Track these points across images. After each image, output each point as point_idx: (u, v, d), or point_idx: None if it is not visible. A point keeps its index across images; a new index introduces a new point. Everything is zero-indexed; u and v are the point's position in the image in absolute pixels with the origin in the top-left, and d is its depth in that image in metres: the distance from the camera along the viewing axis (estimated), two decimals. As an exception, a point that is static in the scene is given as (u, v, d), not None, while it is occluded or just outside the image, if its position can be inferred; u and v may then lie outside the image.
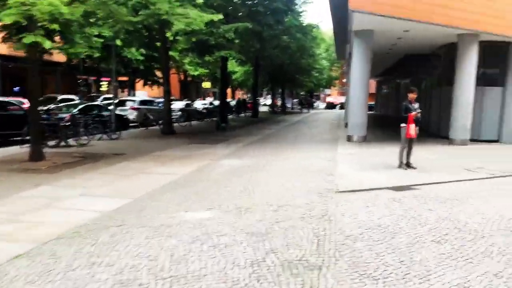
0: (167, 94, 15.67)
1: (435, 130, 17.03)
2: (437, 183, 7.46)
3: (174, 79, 43.40)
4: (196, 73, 38.69)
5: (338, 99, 67.14)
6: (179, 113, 22.19)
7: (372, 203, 5.89)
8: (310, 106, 48.12)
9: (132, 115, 19.84)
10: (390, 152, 11.19)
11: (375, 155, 10.60)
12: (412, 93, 8.81)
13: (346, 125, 19.82)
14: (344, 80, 65.87)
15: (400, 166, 8.87)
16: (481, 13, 12.50)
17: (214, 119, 23.96)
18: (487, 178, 8.09)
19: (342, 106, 51.69)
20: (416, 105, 8.85)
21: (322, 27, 45.58)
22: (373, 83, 40.14)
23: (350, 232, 4.56)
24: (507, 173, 8.64)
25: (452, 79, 14.28)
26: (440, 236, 4.46)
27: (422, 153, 11.30)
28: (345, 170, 8.38)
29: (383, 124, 23.11)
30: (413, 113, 8.60)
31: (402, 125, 8.81)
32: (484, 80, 14.33)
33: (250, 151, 11.23)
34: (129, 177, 7.67)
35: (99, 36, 12.98)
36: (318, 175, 7.84)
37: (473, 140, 13.93)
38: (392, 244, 4.19)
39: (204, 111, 26.49)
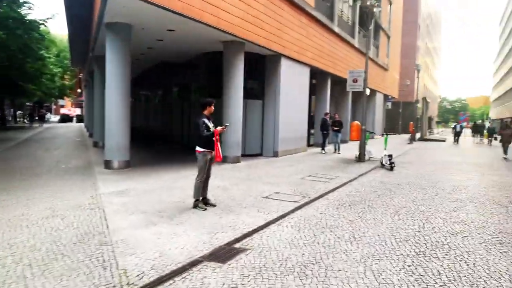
0: None
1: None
2: (256, 230, 5.40)
3: None
4: None
5: (74, 110, 59.91)
6: None
7: (210, 313, 3.14)
8: (42, 119, 39.96)
9: None
10: (170, 183, 8.66)
11: (153, 191, 7.77)
12: (211, 105, 6.56)
13: (95, 144, 16.09)
14: (79, 90, 59.52)
15: (197, 206, 6.44)
16: (246, 21, 11.68)
17: None
18: (296, 208, 6.68)
19: (81, 119, 45.82)
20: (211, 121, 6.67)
21: (53, 28, 38.80)
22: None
23: None
24: (306, 196, 7.59)
25: (217, 91, 13.11)
26: None
27: (206, 178, 9.32)
28: (125, 230, 5.22)
29: (140, 141, 20.40)
30: (219, 128, 6.40)
31: (200, 149, 6.43)
32: (246, 92, 13.79)
33: None
34: None
35: None
36: (82, 250, 4.40)
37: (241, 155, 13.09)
38: None
39: None
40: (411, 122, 30.73)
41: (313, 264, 4.19)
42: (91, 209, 6.20)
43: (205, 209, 6.38)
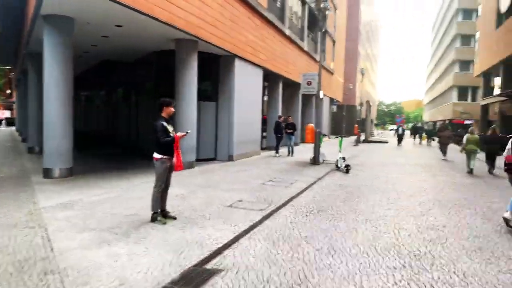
0: None
1: (145, 150, 14.72)
2: (227, 246, 4.89)
3: None
4: None
5: (2, 113, 55.18)
6: None
7: None
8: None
9: None
10: (121, 192, 7.83)
11: (103, 203, 6.93)
12: (169, 106, 5.90)
13: (30, 149, 14.59)
14: (9, 91, 54.80)
15: (155, 219, 5.77)
16: (200, 18, 11.08)
17: None
18: (264, 218, 6.24)
19: (12, 122, 42.16)
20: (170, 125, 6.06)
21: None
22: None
23: None
24: (271, 204, 7.18)
25: (169, 92, 12.36)
26: None
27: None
28: (75, 252, 4.45)
29: (82, 145, 18.93)
30: (180, 134, 5.79)
31: (158, 156, 5.76)
32: (199, 94, 13.15)
33: None
34: None
35: None
36: (21, 283, 3.60)
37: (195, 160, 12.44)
38: None
39: None
40: (356, 125, 31.62)
41: (299, 285, 3.75)
42: (31, 228, 5.30)
43: (165, 223, 5.73)
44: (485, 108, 36.60)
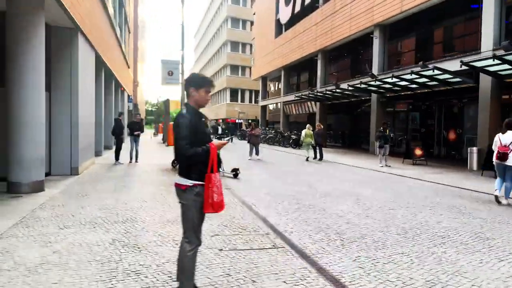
0: None
1: None
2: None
3: None
4: None
5: None
6: None
7: None
8: None
9: None
10: None
11: None
12: (202, 89, 3.09)
13: None
14: None
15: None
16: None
17: None
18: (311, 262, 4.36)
19: None
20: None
21: None
22: None
23: None
24: (262, 230, 5.23)
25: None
26: None
27: (13, 241, 5.20)
28: None
29: None
30: (216, 142, 3.19)
31: (185, 182, 3.11)
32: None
33: None
34: None
35: None
36: None
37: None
38: None
39: None
40: (160, 124, 29.83)
41: None
42: None
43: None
44: (264, 108, 41.23)
